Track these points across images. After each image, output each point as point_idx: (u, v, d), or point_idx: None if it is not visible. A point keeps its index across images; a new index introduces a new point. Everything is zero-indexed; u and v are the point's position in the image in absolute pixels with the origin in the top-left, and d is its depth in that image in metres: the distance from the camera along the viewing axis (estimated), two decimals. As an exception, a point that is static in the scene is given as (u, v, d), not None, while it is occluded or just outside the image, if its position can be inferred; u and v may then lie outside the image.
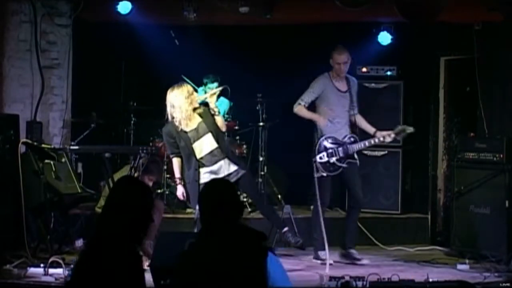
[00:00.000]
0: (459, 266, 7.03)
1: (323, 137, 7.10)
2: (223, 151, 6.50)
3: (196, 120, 6.48)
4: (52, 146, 7.27)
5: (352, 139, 7.16)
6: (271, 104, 8.49)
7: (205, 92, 8.86)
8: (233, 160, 6.56)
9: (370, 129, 7.26)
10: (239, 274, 3.18)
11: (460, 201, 7.42)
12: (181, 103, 6.40)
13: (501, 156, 7.24)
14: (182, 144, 6.46)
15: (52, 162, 7.06)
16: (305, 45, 8.85)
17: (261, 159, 8.52)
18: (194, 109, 6.45)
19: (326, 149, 7.09)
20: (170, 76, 8.99)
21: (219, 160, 6.51)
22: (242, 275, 3.19)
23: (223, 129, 6.59)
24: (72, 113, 8.33)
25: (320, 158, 7.06)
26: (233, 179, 6.47)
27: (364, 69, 8.73)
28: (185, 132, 6.44)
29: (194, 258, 3.27)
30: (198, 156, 6.46)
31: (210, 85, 8.98)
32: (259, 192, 6.70)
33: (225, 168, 6.52)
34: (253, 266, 3.21)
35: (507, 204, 7.09)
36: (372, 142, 7.19)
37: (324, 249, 6.82)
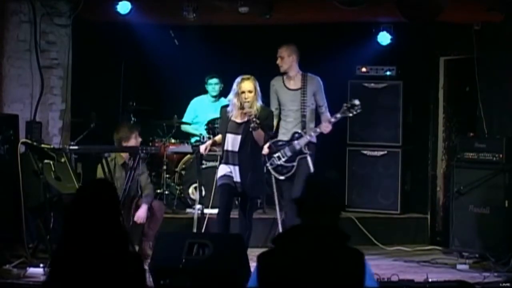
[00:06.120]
0: (459, 266, 7.03)
1: (269, 142, 7.09)
2: (242, 159, 6.53)
3: (245, 117, 6.58)
4: (52, 146, 7.26)
5: (297, 135, 7.11)
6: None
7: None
8: (245, 175, 6.56)
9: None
10: (338, 275, 3.07)
11: (460, 201, 7.42)
12: (231, 97, 6.65)
13: (501, 156, 7.25)
14: (222, 129, 6.73)
15: (51, 162, 7.05)
16: (305, 45, 8.81)
17: (262, 158, 8.50)
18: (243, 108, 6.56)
19: (274, 153, 7.14)
20: (169, 76, 9.03)
21: (234, 164, 6.55)
22: (342, 276, 3.08)
23: (259, 143, 6.62)
24: (71, 113, 8.32)
25: (271, 164, 7.15)
26: (239, 190, 6.56)
27: (363, 69, 8.73)
28: (230, 120, 6.63)
29: (287, 258, 3.12)
30: (225, 147, 6.60)
31: (210, 82, 8.99)
32: (250, 218, 6.73)
33: (237, 175, 6.56)
34: (353, 267, 3.11)
35: (506, 204, 7.09)
36: (318, 130, 7.06)
37: None
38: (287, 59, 7.20)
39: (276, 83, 7.31)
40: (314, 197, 3.23)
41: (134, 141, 7.30)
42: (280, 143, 7.17)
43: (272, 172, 7.21)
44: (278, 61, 7.23)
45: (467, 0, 7.41)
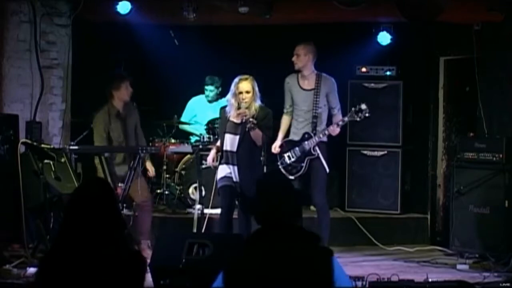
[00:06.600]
0: (459, 266, 7.03)
1: (282, 141, 7.13)
2: (240, 159, 6.52)
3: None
4: (52, 146, 7.27)
5: (306, 136, 7.06)
6: (271, 104, 8.47)
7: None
8: (243, 175, 6.57)
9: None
10: (306, 276, 3.06)
11: (460, 201, 7.42)
12: (229, 97, 6.69)
13: (501, 156, 7.24)
14: (221, 129, 6.79)
15: (51, 162, 7.05)
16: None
17: (261, 158, 8.50)
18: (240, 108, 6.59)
19: (284, 152, 7.12)
20: (169, 76, 9.03)
21: (233, 164, 6.56)
22: (310, 276, 3.07)
23: (257, 143, 6.63)
24: (71, 113, 8.32)
25: (281, 163, 7.11)
26: (239, 190, 6.56)
27: (363, 69, 8.73)
28: (228, 120, 6.66)
29: (253, 261, 3.13)
30: (224, 147, 6.64)
31: (206, 87, 9.00)
32: (250, 218, 6.72)
33: (236, 175, 6.57)
34: (320, 266, 3.09)
35: (506, 204, 7.09)
36: (326, 132, 7.00)
37: None
38: (303, 58, 7.11)
39: (290, 81, 7.22)
40: (266, 200, 3.22)
41: (125, 91, 7.37)
42: (291, 142, 7.13)
43: (283, 171, 7.11)
44: (294, 58, 7.12)
45: (467, 0, 7.40)
